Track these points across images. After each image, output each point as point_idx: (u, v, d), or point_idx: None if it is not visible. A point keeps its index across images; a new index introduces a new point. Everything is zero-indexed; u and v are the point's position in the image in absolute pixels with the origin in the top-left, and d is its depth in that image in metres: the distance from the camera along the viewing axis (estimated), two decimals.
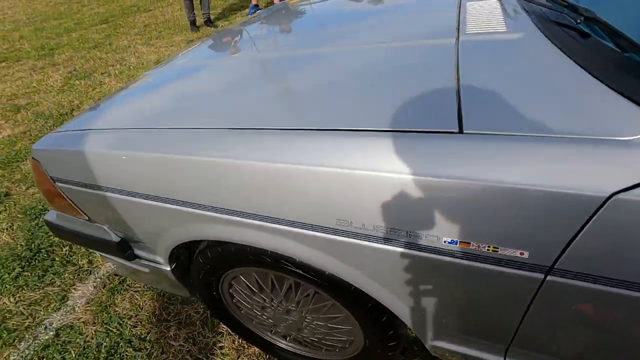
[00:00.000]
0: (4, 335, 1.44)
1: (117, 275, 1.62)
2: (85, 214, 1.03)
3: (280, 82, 0.88)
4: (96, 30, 5.86)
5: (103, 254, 1.17)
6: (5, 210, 2.13)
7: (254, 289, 1.00)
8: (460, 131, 0.57)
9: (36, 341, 1.41)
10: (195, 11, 5.07)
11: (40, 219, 2.01)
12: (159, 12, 6.48)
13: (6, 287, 1.64)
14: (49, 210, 1.30)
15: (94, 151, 0.88)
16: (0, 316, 1.52)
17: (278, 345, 1.18)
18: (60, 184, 0.99)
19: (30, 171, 2.46)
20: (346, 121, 0.67)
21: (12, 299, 1.58)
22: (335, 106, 0.72)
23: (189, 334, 1.34)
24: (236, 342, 1.29)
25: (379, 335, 0.90)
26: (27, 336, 1.44)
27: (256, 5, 5.54)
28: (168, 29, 5.44)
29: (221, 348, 1.29)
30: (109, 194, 0.91)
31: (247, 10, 5.64)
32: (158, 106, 0.94)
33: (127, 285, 1.57)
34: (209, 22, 5.19)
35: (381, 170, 0.58)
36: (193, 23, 5.14)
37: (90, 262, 1.71)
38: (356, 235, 0.64)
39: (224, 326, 1.35)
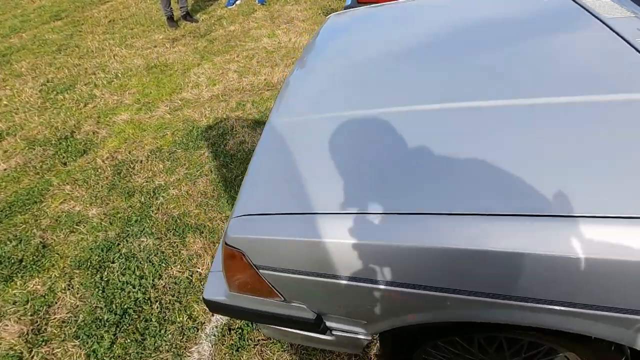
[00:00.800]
0: None
1: (230, 328, 1.52)
2: (282, 295, 0.95)
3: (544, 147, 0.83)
4: (51, 29, 5.16)
5: (284, 328, 1.08)
6: (54, 265, 1.88)
7: (471, 349, 1.00)
8: None
9: None
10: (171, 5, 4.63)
11: (105, 273, 1.80)
12: (120, 3, 5.84)
13: None
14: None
15: (332, 241, 0.80)
16: None
17: None
18: (264, 271, 0.90)
19: (60, 215, 2.17)
20: None
21: None
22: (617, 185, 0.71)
23: None
24: None
25: None
26: None
27: None
28: (140, 24, 4.94)
29: None
30: (341, 281, 0.84)
31: (225, 1, 5.27)
32: (387, 185, 0.84)
33: (248, 339, 1.48)
34: (188, 17, 4.78)
35: None
36: (170, 18, 4.71)
37: (190, 317, 1.59)
38: None
39: None
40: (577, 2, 1.35)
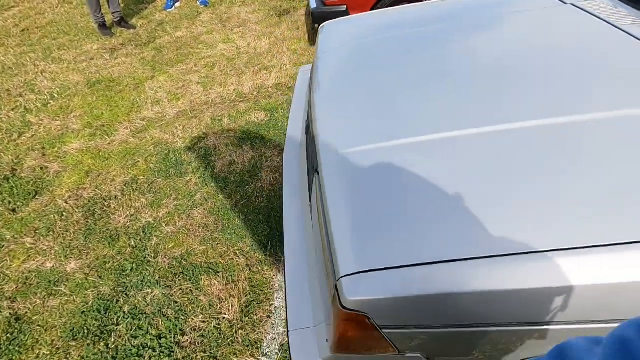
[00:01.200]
0: None
1: None
2: (397, 348, 0.87)
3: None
4: None
5: None
6: (38, 342, 1.54)
7: None
8: None
9: None
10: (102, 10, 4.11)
11: (111, 339, 1.53)
12: (30, 9, 5.04)
13: None
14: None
15: (469, 290, 0.73)
16: None
17: None
18: (387, 331, 0.80)
19: (28, 277, 1.80)
20: None
21: None
22: None
23: None
24: None
25: None
26: None
27: None
28: (64, 33, 4.32)
29: None
30: (479, 329, 0.78)
31: (162, 4, 4.82)
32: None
33: None
34: (123, 23, 4.29)
35: None
36: (103, 25, 4.18)
37: None
38: None
39: None
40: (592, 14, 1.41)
